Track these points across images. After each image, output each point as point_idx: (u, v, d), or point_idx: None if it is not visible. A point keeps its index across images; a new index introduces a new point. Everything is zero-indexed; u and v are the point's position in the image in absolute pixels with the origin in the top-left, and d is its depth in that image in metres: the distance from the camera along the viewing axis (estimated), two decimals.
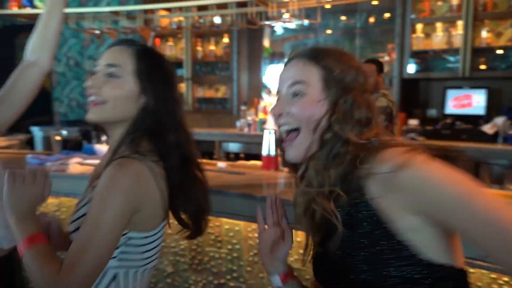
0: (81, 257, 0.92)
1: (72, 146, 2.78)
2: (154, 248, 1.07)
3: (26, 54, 1.42)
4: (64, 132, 2.96)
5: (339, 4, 3.30)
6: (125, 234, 1.00)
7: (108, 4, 5.29)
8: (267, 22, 3.01)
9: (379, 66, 3.43)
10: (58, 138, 2.87)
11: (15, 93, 1.37)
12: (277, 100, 0.95)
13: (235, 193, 1.93)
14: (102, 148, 2.65)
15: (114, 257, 1.00)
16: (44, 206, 2.44)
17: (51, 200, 2.39)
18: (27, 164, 2.42)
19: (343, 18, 4.80)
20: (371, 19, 4.69)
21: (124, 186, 0.96)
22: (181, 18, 4.76)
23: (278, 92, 0.95)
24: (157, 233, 1.06)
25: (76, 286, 0.91)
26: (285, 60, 0.97)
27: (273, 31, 5.12)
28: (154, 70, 1.07)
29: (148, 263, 1.08)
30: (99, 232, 0.93)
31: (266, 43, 5.16)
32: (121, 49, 1.07)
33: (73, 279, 0.91)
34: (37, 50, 1.41)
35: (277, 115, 0.92)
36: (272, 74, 5.10)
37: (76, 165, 2.29)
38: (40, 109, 5.37)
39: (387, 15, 4.50)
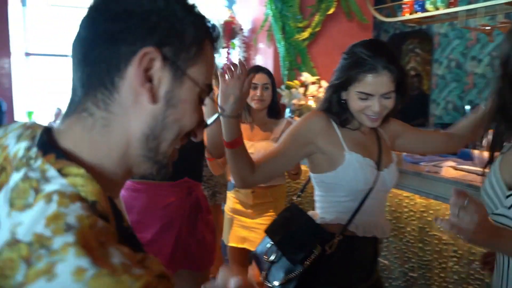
0: None
1: None
2: None
3: None
4: None
5: None
6: None
7: None
8: None
9: None
10: None
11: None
12: None
13: None
14: (479, 153, 2.41)
15: None
16: (412, 205, 2.48)
17: (419, 200, 2.39)
18: (402, 161, 2.51)
19: None
20: None
21: None
22: None
23: None
24: None
25: None
26: None
27: None
28: None
29: None
30: None
31: None
32: None
33: None
34: None
35: None
36: None
37: (449, 168, 2.18)
38: (418, 111, 5.55)
39: None
